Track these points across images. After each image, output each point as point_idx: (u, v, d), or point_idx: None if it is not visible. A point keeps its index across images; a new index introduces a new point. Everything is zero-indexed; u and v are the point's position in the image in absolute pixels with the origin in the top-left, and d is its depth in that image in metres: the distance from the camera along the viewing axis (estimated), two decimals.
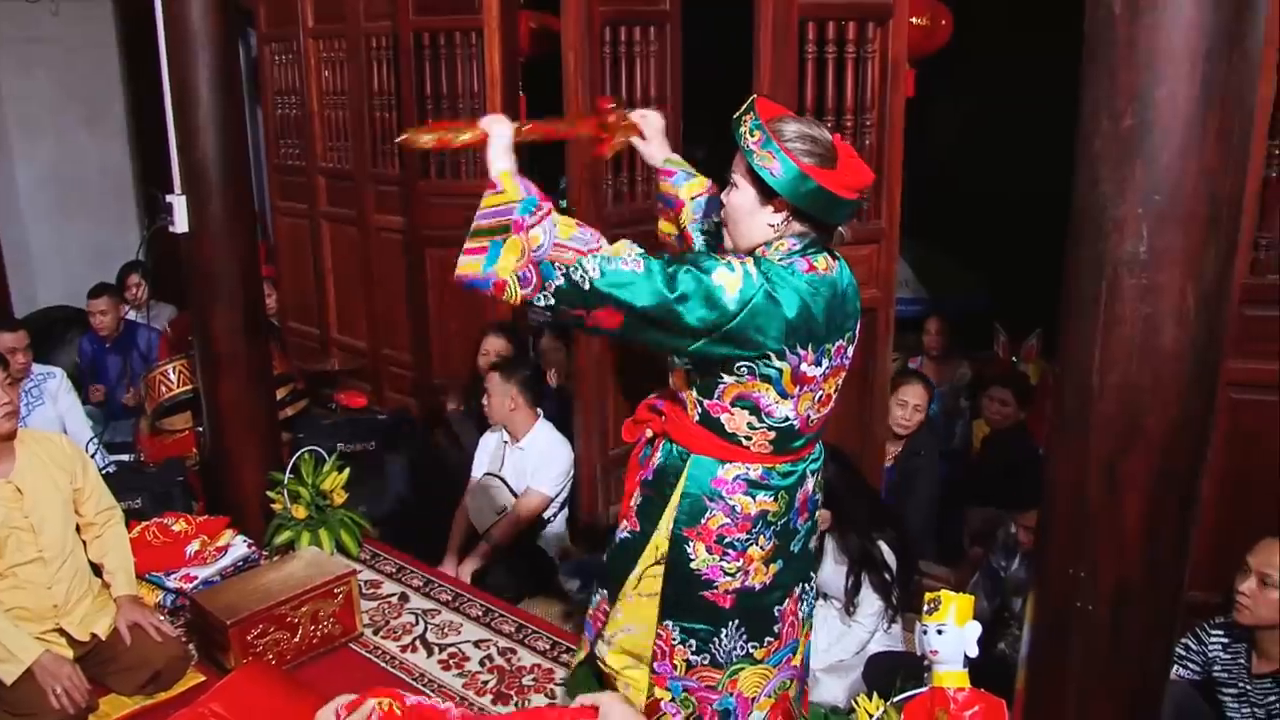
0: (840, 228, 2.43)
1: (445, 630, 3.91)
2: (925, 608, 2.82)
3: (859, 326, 2.51)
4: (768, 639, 2.61)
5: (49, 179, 7.51)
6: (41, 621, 3.40)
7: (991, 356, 5.99)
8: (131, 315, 6.22)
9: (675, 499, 2.52)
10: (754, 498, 2.48)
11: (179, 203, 4.26)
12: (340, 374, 6.20)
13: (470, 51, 4.91)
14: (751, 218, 2.36)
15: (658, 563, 2.57)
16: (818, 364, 2.36)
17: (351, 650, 3.80)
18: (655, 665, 2.66)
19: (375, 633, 3.91)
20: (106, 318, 5.94)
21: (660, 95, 4.49)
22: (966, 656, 2.77)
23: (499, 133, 2.36)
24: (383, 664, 3.72)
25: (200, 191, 4.21)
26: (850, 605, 3.63)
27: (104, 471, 4.34)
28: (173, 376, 5.11)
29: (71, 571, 3.48)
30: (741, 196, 2.36)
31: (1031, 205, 6.02)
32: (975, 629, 2.78)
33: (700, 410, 2.46)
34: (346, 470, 4.44)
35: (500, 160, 2.33)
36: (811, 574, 2.76)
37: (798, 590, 2.67)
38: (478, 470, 4.63)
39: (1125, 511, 2.07)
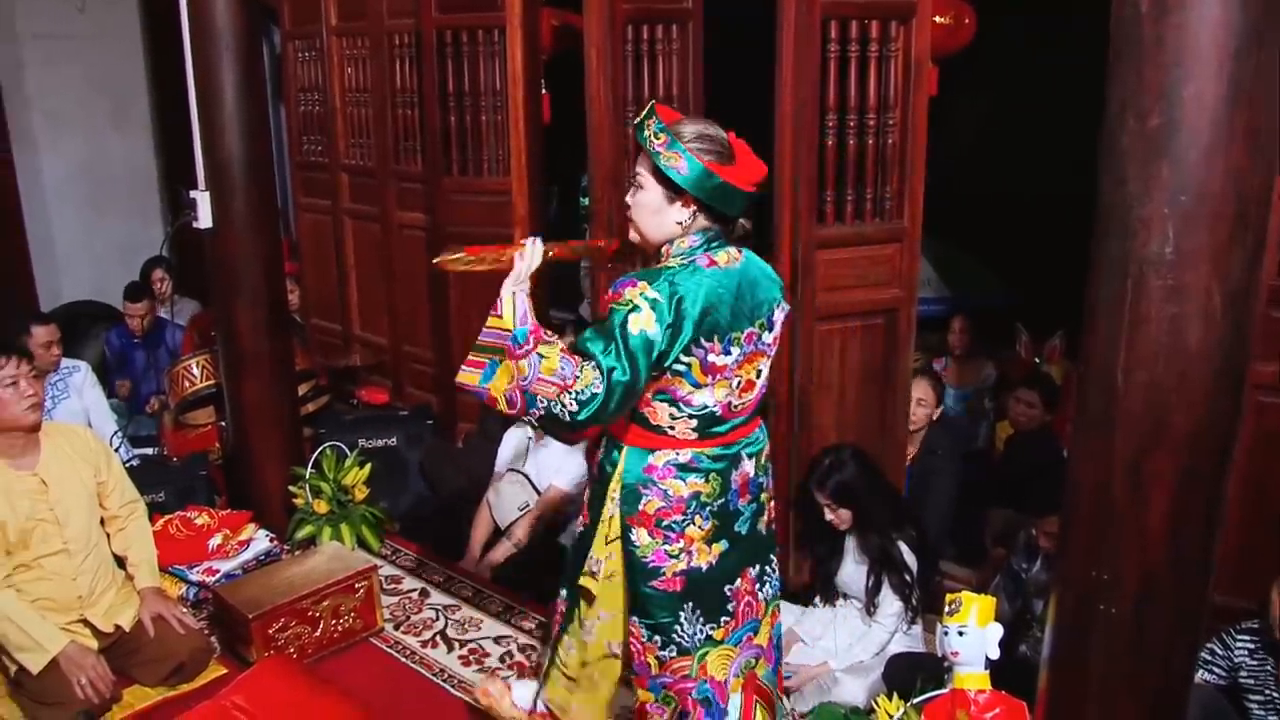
0: (741, 219, 2.57)
1: (466, 626, 3.92)
2: (946, 609, 2.82)
3: (774, 317, 2.59)
4: (724, 619, 2.68)
5: (75, 175, 7.56)
6: (67, 612, 3.43)
7: (1014, 356, 5.96)
8: (157, 311, 6.26)
9: (614, 488, 2.62)
10: (685, 480, 2.57)
11: (203, 199, 4.29)
12: (362, 370, 6.22)
13: (493, 49, 4.92)
14: (659, 215, 2.48)
15: (610, 542, 2.67)
16: (726, 353, 2.47)
17: (372, 645, 3.81)
18: (634, 667, 2.74)
19: (396, 628, 3.92)
20: (144, 320, 5.99)
21: (681, 93, 4.49)
22: (988, 658, 2.77)
23: (531, 257, 2.50)
24: (403, 659, 3.73)
25: (224, 188, 4.24)
26: (871, 605, 3.62)
27: (128, 465, 4.38)
28: (196, 371, 5.14)
29: (96, 563, 3.51)
30: (648, 196, 2.47)
31: (1054, 204, 5.99)
32: (997, 631, 2.78)
33: None
34: (368, 466, 4.47)
35: (512, 283, 2.47)
36: (771, 556, 2.83)
37: (753, 572, 2.75)
38: (501, 466, 4.64)
39: (1150, 511, 2.06)
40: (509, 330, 2.42)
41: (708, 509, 2.60)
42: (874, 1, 3.67)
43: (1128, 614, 2.13)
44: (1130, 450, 2.05)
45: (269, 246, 4.40)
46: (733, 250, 2.54)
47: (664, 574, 2.60)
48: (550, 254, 2.57)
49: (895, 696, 2.97)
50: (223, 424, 4.96)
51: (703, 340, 2.42)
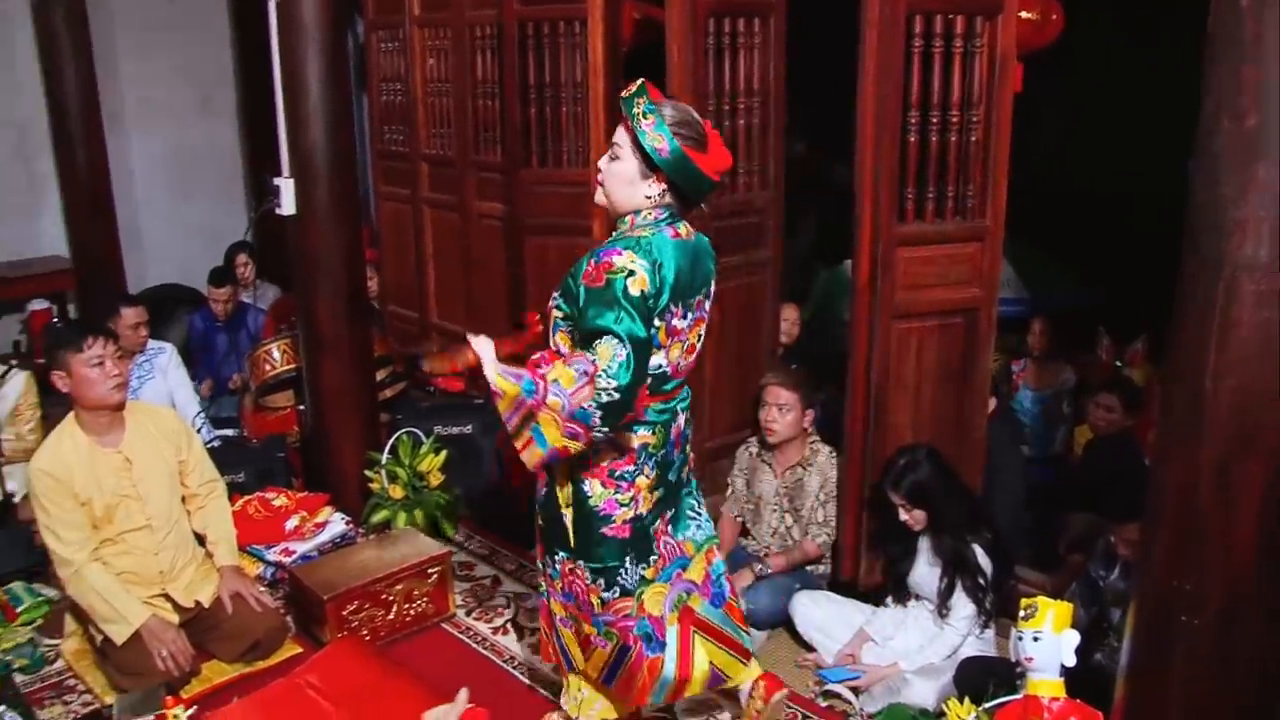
0: (702, 204, 2.80)
1: (536, 614, 3.94)
2: (1021, 613, 2.77)
3: (712, 288, 2.84)
4: (652, 558, 2.87)
5: (163, 161, 7.74)
6: (149, 586, 3.52)
7: (1094, 359, 5.85)
8: (240, 295, 6.39)
9: None
10: (635, 432, 2.75)
11: (287, 186, 4.36)
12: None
13: (574, 41, 4.93)
14: (632, 187, 2.65)
15: (567, 505, 2.82)
16: (684, 317, 2.72)
17: (444, 630, 3.86)
18: (578, 604, 2.90)
19: (468, 614, 3.96)
20: (228, 305, 6.12)
21: (763, 88, 4.46)
22: (1063, 665, 2.72)
23: (485, 352, 2.67)
24: (474, 645, 3.77)
25: (308, 176, 4.31)
26: (943, 608, 3.58)
27: (209, 445, 4.47)
28: (276, 355, 5.23)
29: (177, 540, 3.60)
30: (624, 166, 2.64)
31: (1140, 204, 5.87)
32: (1073, 638, 2.73)
33: None
34: (443, 452, 4.51)
35: (490, 371, 2.62)
36: (690, 500, 3.05)
37: (669, 514, 2.95)
38: None
39: (1238, 520, 2.01)
40: (518, 393, 2.56)
41: (653, 459, 2.80)
42: None
43: (1211, 626, 2.08)
44: (1217, 457, 2.00)
45: (350, 234, 4.46)
46: (686, 224, 2.75)
47: (614, 521, 2.78)
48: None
49: (966, 700, 2.94)
50: (301, 408, 5.04)
51: (671, 305, 2.64)
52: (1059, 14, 4.68)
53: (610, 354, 2.49)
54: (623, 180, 2.65)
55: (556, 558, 2.89)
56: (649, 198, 2.65)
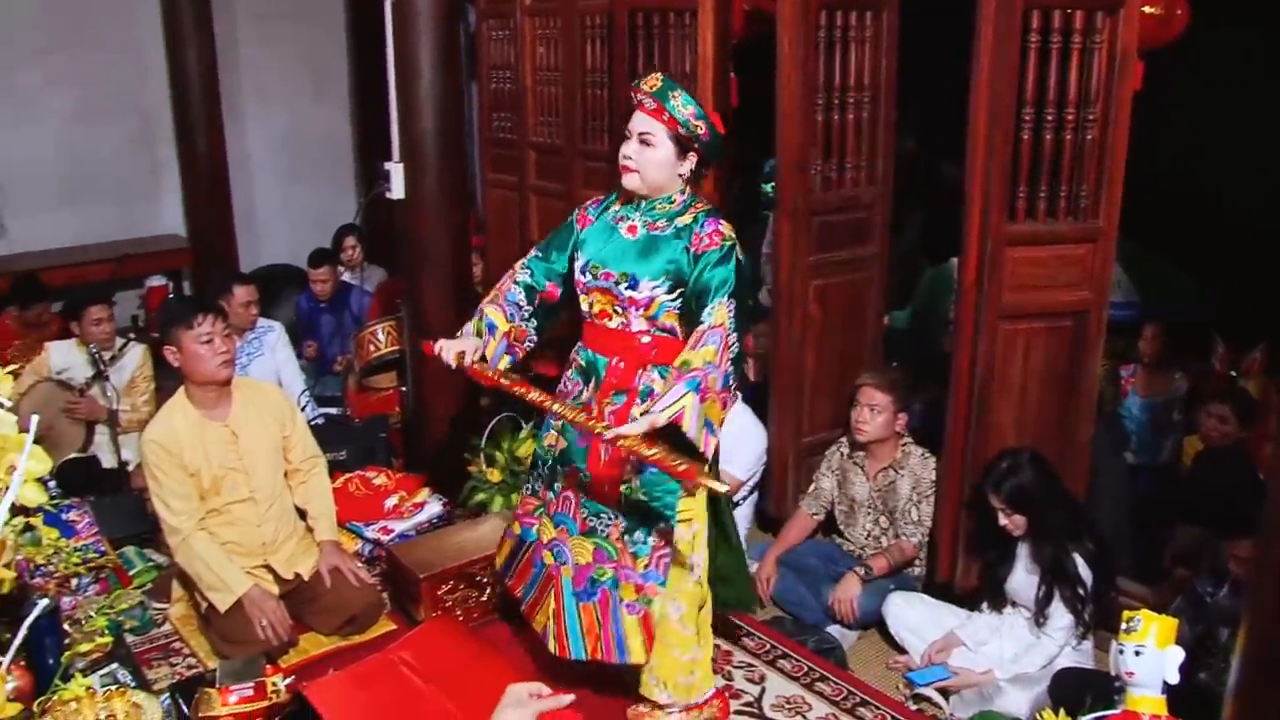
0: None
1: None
2: (1124, 626, 2.71)
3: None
4: None
5: (278, 145, 7.94)
6: (252, 557, 3.61)
7: (1208, 368, 5.67)
8: (346, 276, 6.51)
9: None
10: None
11: (396, 171, 4.43)
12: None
13: (683, 32, 4.91)
14: (670, 169, 2.93)
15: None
16: None
17: None
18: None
19: None
20: (327, 285, 6.25)
21: (874, 82, 4.40)
22: (1165, 682, 2.65)
23: (642, 425, 2.63)
24: None
25: (417, 161, 4.37)
26: (1040, 616, 3.51)
27: (312, 423, 4.57)
28: (381, 337, 5.33)
29: (279, 513, 3.69)
30: (660, 153, 2.90)
31: (1263, 211, 5.67)
32: (1177, 654, 2.65)
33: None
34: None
35: (659, 418, 2.62)
36: None
37: None
38: None
39: None
40: (692, 402, 2.65)
41: None
42: None
43: None
44: None
45: (457, 220, 4.52)
46: None
47: None
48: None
49: (1061, 712, 2.88)
50: (404, 389, 5.13)
51: None
52: (1184, 9, 4.54)
53: (727, 313, 2.79)
54: (662, 165, 2.91)
55: (652, 533, 2.98)
56: (682, 175, 2.95)
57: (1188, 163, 6.66)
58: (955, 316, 3.83)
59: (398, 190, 4.45)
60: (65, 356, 4.90)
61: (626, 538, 3.01)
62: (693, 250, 2.89)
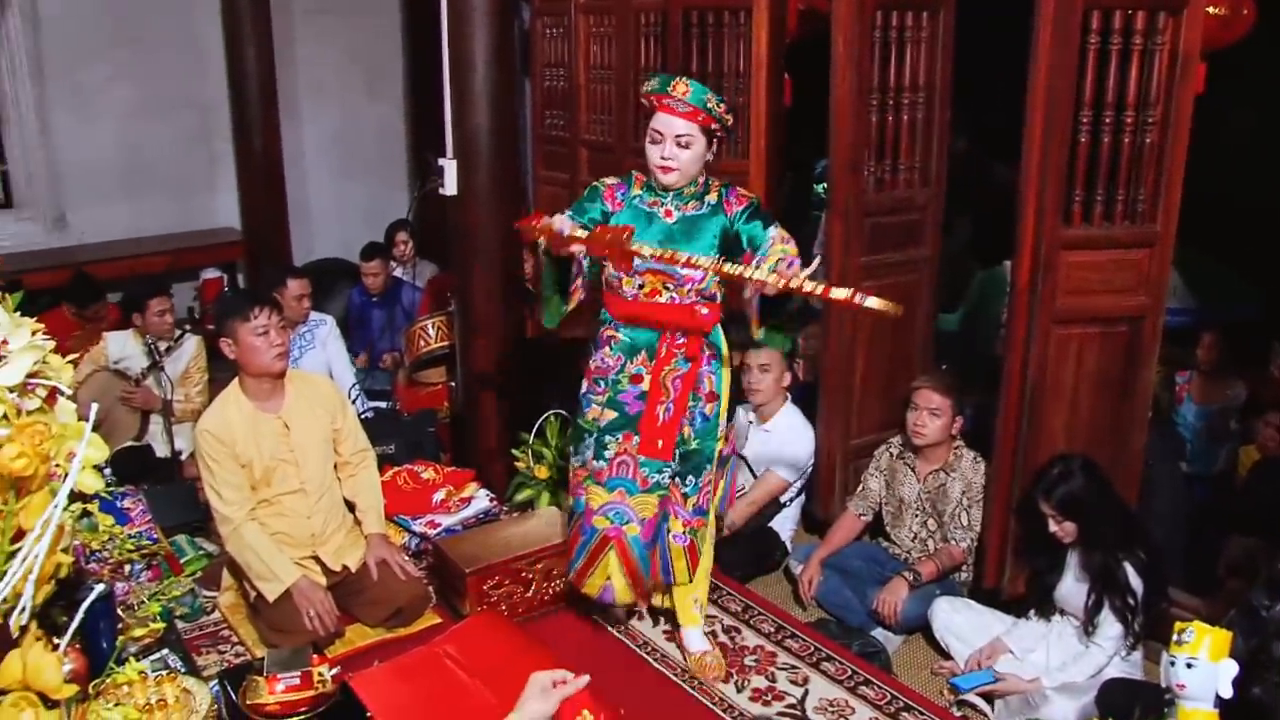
0: None
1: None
2: (1176, 638, 2.67)
3: None
4: None
5: (332, 140, 8.01)
6: (300, 548, 3.66)
7: (1267, 376, 5.56)
8: (397, 272, 6.56)
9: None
10: None
11: (450, 167, 4.46)
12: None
13: (738, 31, 4.90)
14: (702, 161, 3.23)
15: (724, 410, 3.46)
16: None
17: (579, 611, 3.89)
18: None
19: None
20: (378, 279, 6.31)
21: (929, 83, 4.36)
22: (1218, 696, 2.61)
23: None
24: (609, 628, 3.79)
25: (470, 158, 4.40)
26: (1089, 625, 3.46)
27: (362, 417, 4.61)
28: (431, 332, 5.37)
29: (328, 505, 3.73)
30: (697, 149, 3.18)
31: None
32: (1231, 668, 2.61)
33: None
34: None
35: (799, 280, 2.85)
36: None
37: None
38: None
39: None
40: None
41: None
42: None
43: None
44: None
45: (509, 216, 4.52)
46: None
47: None
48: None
49: None
50: (453, 384, 5.16)
51: None
52: (1250, 9, 4.45)
53: (782, 230, 3.21)
54: (697, 160, 3.20)
55: (702, 475, 3.41)
56: (708, 160, 3.25)
57: (1253, 167, 6.55)
58: (1008, 319, 3.79)
59: (450, 186, 4.48)
60: (122, 347, 4.99)
61: (678, 480, 3.39)
62: (729, 215, 3.24)
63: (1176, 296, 6.41)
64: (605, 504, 3.39)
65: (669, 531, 3.43)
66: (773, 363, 4.42)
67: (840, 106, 4.10)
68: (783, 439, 4.43)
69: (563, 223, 3.05)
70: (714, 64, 4.98)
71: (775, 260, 3.00)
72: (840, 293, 2.72)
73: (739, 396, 4.43)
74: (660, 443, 3.33)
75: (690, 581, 3.52)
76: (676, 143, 3.15)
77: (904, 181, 4.38)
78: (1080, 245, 3.61)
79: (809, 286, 2.76)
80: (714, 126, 3.18)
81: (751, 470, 4.46)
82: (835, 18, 4.07)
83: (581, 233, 3.02)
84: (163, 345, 4.96)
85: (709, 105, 3.13)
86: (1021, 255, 3.60)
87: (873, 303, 2.67)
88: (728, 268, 2.95)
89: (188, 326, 5.62)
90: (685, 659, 3.59)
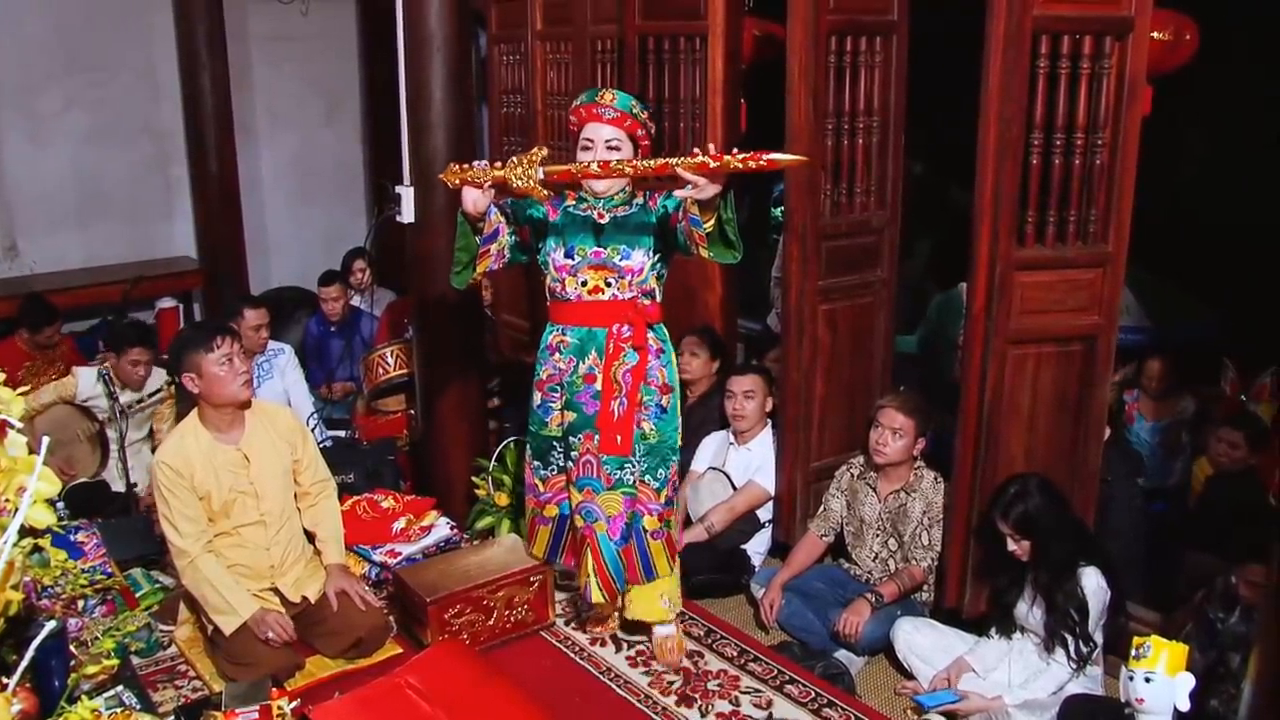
0: None
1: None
2: (1133, 653, 2.70)
3: None
4: None
5: (289, 167, 7.99)
6: (259, 579, 3.62)
7: (1218, 392, 5.64)
8: (355, 300, 6.53)
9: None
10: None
11: (407, 194, 4.45)
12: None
13: (694, 56, 4.93)
14: None
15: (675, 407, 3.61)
16: None
17: (542, 639, 3.88)
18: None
19: (567, 624, 3.98)
20: (337, 304, 6.27)
21: (883, 107, 4.40)
22: (1176, 709, 2.64)
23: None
24: (571, 654, 3.79)
25: (428, 185, 4.39)
26: (1049, 642, 3.49)
27: (321, 445, 4.57)
28: (390, 360, 5.34)
29: (288, 536, 3.70)
30: (627, 152, 3.37)
31: (1273, 234, 5.66)
32: (1188, 681, 2.64)
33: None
34: None
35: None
36: None
37: None
38: (700, 465, 4.70)
39: None
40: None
41: None
42: (1090, 15, 3.53)
43: None
44: None
45: None
46: None
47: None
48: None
49: None
50: (412, 412, 5.13)
51: None
52: (1193, 34, 4.55)
53: None
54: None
55: (669, 465, 3.55)
56: None
57: (1204, 189, 6.67)
58: (964, 341, 3.82)
59: (408, 214, 4.47)
60: (92, 386, 4.88)
61: (647, 476, 3.51)
62: (652, 208, 3.42)
63: (1130, 315, 6.50)
64: (579, 503, 3.54)
65: (645, 530, 3.55)
66: (756, 389, 4.52)
67: (796, 131, 4.13)
68: (764, 456, 4.49)
69: (481, 166, 3.31)
70: (670, 89, 5.01)
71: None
72: (772, 157, 2.91)
73: (721, 421, 4.69)
74: (619, 438, 3.44)
75: (671, 573, 3.67)
76: (606, 147, 3.36)
77: (860, 205, 4.42)
78: (1034, 266, 3.65)
79: (740, 158, 2.88)
80: (639, 133, 3.40)
81: (734, 484, 4.51)
82: (790, 43, 4.10)
83: (498, 174, 3.27)
84: (135, 395, 4.90)
85: (635, 111, 3.38)
86: (976, 277, 3.64)
87: (777, 156, 2.91)
88: (643, 163, 3.19)
89: (167, 382, 5.10)
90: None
